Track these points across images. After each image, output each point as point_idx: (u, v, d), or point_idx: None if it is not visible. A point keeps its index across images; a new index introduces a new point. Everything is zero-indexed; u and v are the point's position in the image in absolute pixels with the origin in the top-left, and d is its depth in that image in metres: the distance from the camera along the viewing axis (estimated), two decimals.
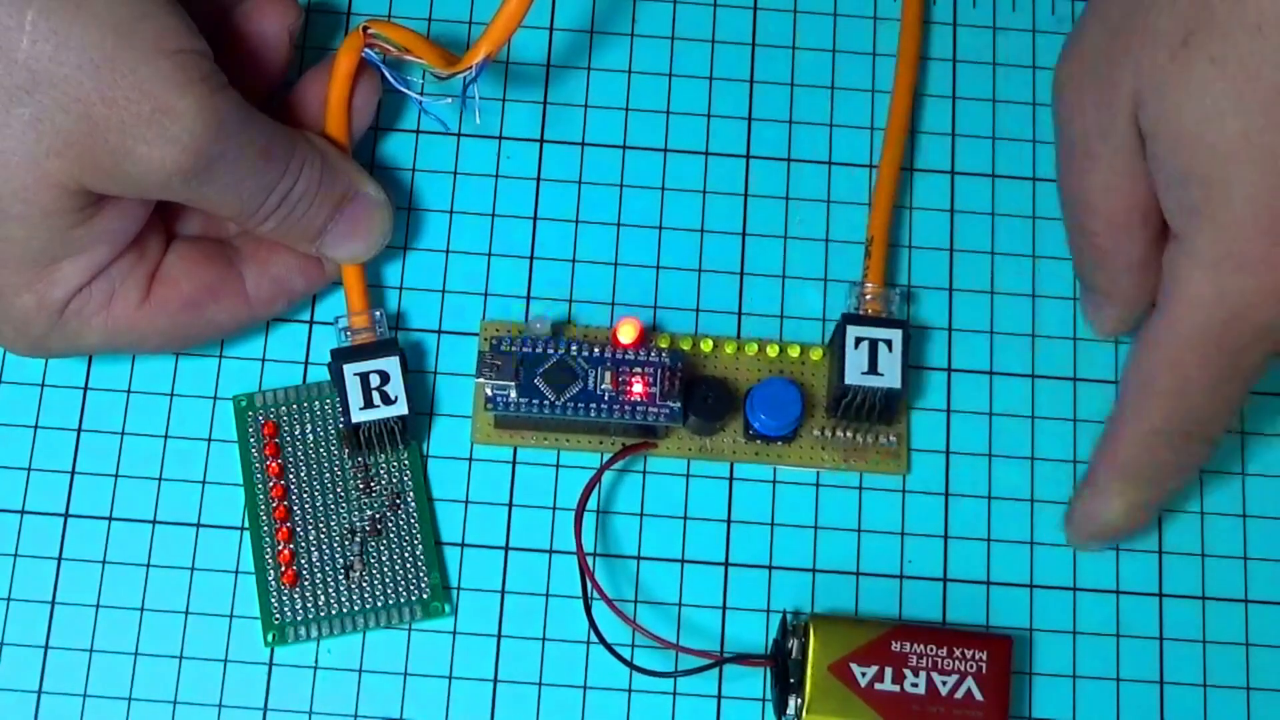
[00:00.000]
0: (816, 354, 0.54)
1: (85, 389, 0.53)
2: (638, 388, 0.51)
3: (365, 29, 0.51)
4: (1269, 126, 0.44)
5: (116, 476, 0.52)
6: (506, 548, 0.52)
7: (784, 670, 0.50)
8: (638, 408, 0.51)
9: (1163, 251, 0.49)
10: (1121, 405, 0.50)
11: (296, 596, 0.51)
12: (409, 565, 0.51)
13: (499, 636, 0.52)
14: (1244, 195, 0.45)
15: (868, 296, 0.53)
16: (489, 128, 0.56)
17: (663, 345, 0.53)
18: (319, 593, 0.51)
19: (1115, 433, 0.50)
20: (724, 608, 0.52)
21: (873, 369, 0.51)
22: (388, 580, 0.51)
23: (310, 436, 0.52)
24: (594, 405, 0.51)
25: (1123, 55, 0.46)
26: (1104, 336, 0.54)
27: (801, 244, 0.56)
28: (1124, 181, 0.48)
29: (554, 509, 0.53)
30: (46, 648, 0.51)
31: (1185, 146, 0.45)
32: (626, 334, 0.52)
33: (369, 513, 0.52)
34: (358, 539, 0.52)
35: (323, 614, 0.51)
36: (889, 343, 0.52)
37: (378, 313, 0.52)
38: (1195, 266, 0.46)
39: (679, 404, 0.51)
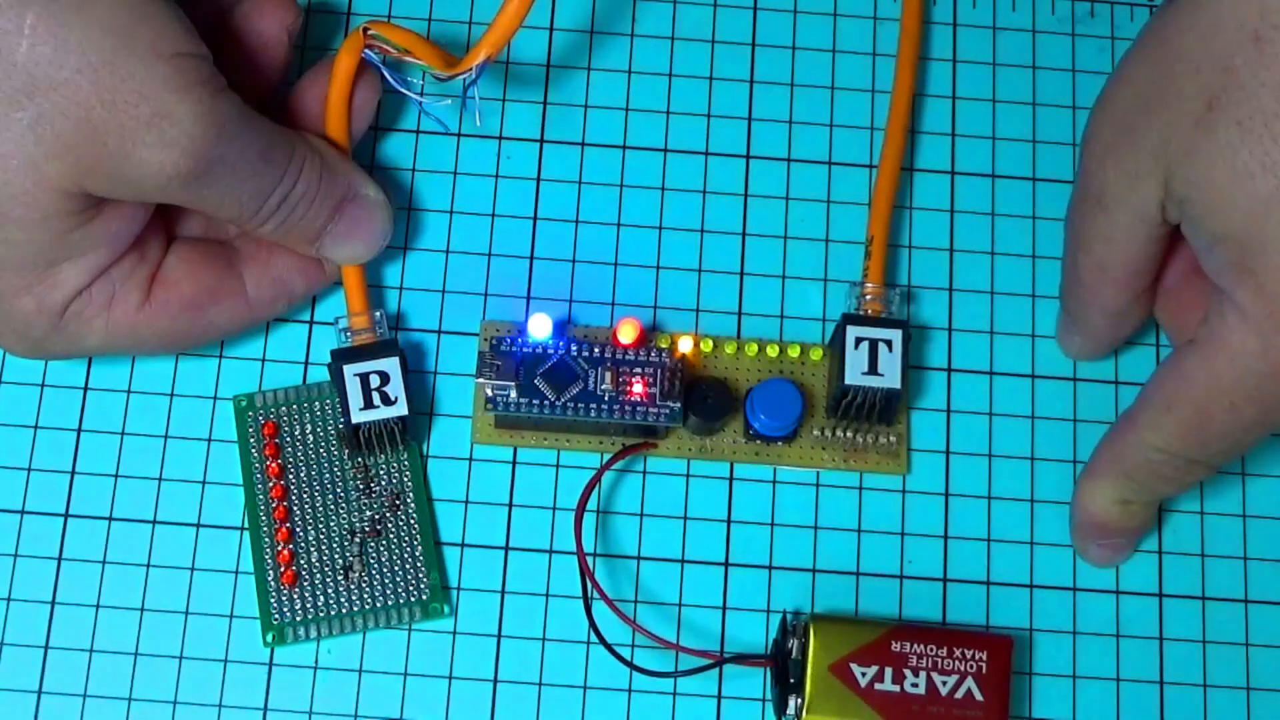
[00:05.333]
0: (816, 354, 0.54)
1: (85, 389, 0.53)
2: (638, 388, 0.51)
3: (365, 30, 0.51)
4: None
5: (116, 476, 0.52)
6: (506, 548, 0.52)
7: (784, 670, 0.50)
8: (638, 408, 0.51)
9: (1141, 307, 0.51)
10: (1138, 411, 0.50)
11: (296, 597, 0.51)
12: (409, 565, 0.51)
13: (499, 636, 0.52)
14: None
15: (868, 296, 0.53)
16: (489, 128, 0.56)
17: (663, 345, 0.53)
18: (319, 593, 0.51)
19: (1125, 434, 0.50)
20: (724, 608, 0.52)
21: (873, 369, 0.51)
22: (387, 581, 0.51)
23: (310, 437, 0.52)
24: (594, 405, 0.51)
25: (1149, 121, 0.46)
26: (1069, 358, 0.55)
27: (801, 244, 0.56)
28: (1125, 240, 0.49)
29: (554, 509, 0.53)
30: (46, 648, 0.51)
31: (1218, 209, 0.45)
32: (626, 334, 0.52)
33: (369, 513, 0.52)
34: (357, 539, 0.52)
35: (322, 614, 0.51)
36: (889, 343, 0.51)
37: (378, 313, 0.52)
38: (1241, 320, 0.45)
39: (679, 404, 0.51)
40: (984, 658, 0.49)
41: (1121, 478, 0.51)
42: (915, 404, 0.54)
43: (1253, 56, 0.44)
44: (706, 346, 0.54)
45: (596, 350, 0.51)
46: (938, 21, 0.58)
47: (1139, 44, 0.48)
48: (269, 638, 0.51)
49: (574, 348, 0.51)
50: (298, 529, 0.51)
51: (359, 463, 0.52)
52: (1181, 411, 0.48)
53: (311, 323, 0.54)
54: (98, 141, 0.44)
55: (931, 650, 0.49)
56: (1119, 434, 0.51)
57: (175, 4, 0.45)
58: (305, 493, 0.52)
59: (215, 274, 0.50)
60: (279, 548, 0.51)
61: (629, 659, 0.50)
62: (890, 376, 0.51)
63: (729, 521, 0.53)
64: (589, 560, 0.51)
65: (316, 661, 0.51)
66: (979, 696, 0.49)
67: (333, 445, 0.52)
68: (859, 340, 0.51)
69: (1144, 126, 0.47)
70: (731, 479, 0.53)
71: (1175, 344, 0.52)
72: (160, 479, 0.53)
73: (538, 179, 0.56)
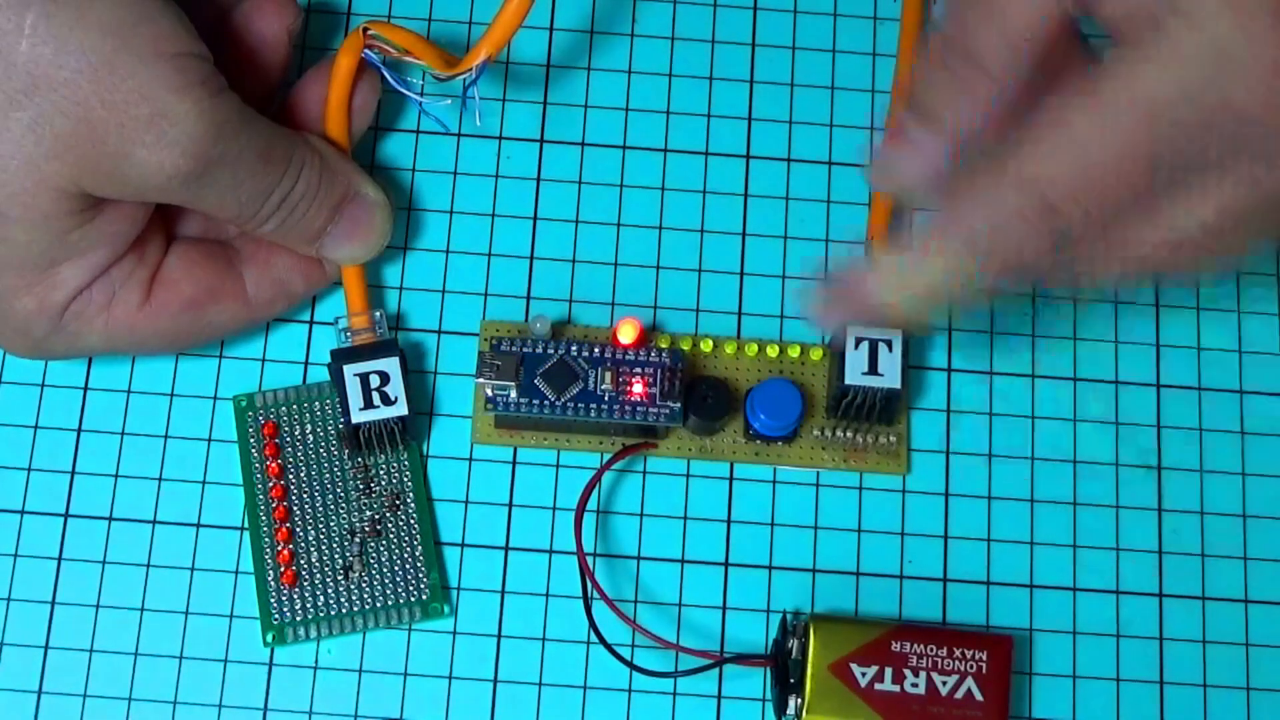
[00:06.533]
0: (816, 354, 0.54)
1: (85, 389, 0.53)
2: (638, 388, 0.51)
3: (365, 30, 0.51)
4: None
5: (116, 476, 0.52)
6: (506, 548, 0.52)
7: (784, 670, 0.50)
8: (638, 408, 0.51)
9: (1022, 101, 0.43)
10: (1014, 149, 0.42)
11: (296, 597, 0.51)
12: (408, 565, 0.51)
13: (499, 636, 0.52)
14: None
15: None
16: (489, 128, 0.56)
17: (663, 345, 0.53)
18: (319, 593, 0.51)
19: (983, 183, 0.43)
20: (724, 608, 0.52)
21: (873, 369, 0.51)
22: (387, 580, 0.51)
23: (310, 437, 0.52)
24: (594, 405, 0.51)
25: None
26: (891, 186, 0.48)
27: (801, 244, 0.56)
28: None
29: (554, 509, 0.53)
30: (46, 648, 0.51)
31: None
32: (626, 334, 0.52)
33: (369, 513, 0.52)
34: (357, 539, 0.52)
35: (322, 614, 0.51)
36: (889, 343, 0.51)
37: (378, 313, 0.52)
38: (1145, 52, 0.40)
39: (679, 404, 0.51)
40: (984, 658, 0.49)
41: (961, 243, 0.43)
42: (915, 404, 0.54)
43: None
44: (706, 346, 0.54)
45: (596, 350, 0.51)
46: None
47: None
48: (269, 638, 0.51)
49: (574, 348, 0.51)
50: (298, 529, 0.51)
51: (359, 463, 0.52)
52: (1077, 135, 0.41)
53: (311, 323, 0.54)
54: (97, 141, 0.44)
55: (931, 650, 0.49)
56: (967, 191, 0.43)
57: (175, 4, 0.45)
58: (305, 493, 0.52)
59: (215, 274, 0.50)
60: (279, 548, 0.51)
61: (629, 659, 0.50)
62: (890, 376, 0.51)
63: (729, 521, 0.53)
64: (589, 560, 0.51)
65: (316, 661, 0.51)
66: (979, 696, 0.49)
67: (333, 445, 0.52)
68: (859, 340, 0.51)
69: None
70: (731, 479, 0.53)
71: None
72: (160, 479, 0.53)
73: (538, 179, 0.56)
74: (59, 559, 0.52)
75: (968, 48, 0.44)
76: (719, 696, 0.51)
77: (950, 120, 0.44)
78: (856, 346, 0.51)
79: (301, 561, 0.51)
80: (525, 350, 0.51)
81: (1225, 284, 0.56)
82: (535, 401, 0.51)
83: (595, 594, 0.50)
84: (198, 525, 0.52)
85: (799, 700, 0.49)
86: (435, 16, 0.57)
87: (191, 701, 0.51)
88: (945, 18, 0.45)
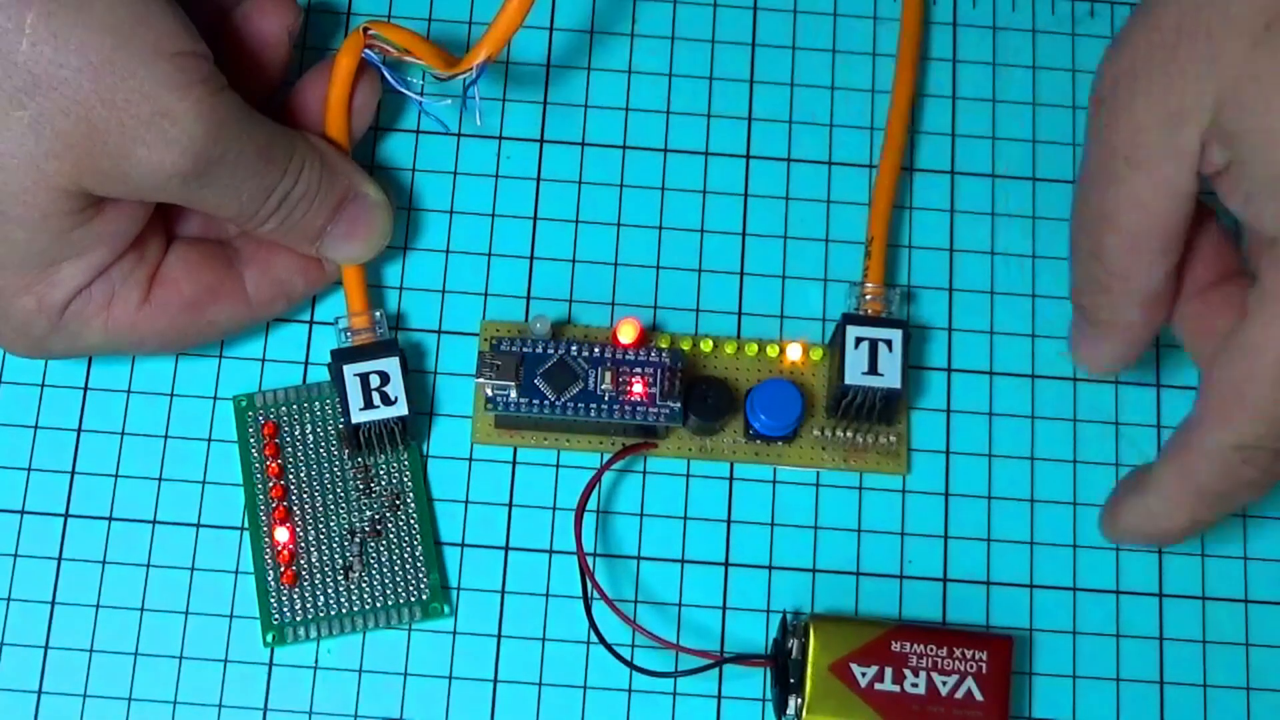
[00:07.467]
0: (816, 354, 0.54)
1: (85, 389, 0.53)
2: (638, 388, 0.51)
3: (365, 30, 0.51)
4: None
5: (116, 476, 0.52)
6: (506, 548, 0.52)
7: (784, 670, 0.50)
8: (638, 408, 0.51)
9: (1172, 289, 0.47)
10: (1202, 414, 0.45)
11: (296, 597, 0.51)
12: (408, 565, 0.51)
13: (499, 636, 0.52)
14: None
15: (868, 296, 0.53)
16: (489, 128, 0.56)
17: (663, 345, 0.53)
18: (319, 593, 0.51)
19: (1192, 443, 0.45)
20: (724, 608, 0.52)
21: (873, 369, 0.51)
22: (387, 580, 0.51)
23: (310, 437, 0.52)
24: (594, 405, 0.51)
25: (1191, 51, 0.42)
26: (1093, 373, 0.51)
27: (801, 244, 0.56)
28: (1164, 198, 0.44)
29: (554, 509, 0.53)
30: (46, 648, 0.51)
31: None
32: (626, 334, 0.52)
33: (369, 513, 0.52)
34: (357, 539, 0.52)
35: (322, 614, 0.51)
36: (889, 343, 0.51)
37: (378, 313, 0.52)
38: None
39: (679, 404, 0.51)
40: (984, 658, 0.49)
41: (1193, 495, 0.46)
42: (915, 404, 0.54)
43: None
44: (706, 346, 0.54)
45: (596, 350, 0.51)
46: (938, 21, 0.58)
47: None
48: (269, 638, 0.51)
49: (574, 348, 0.51)
50: (298, 529, 0.51)
51: (359, 463, 0.52)
52: (1258, 392, 0.42)
53: (311, 323, 0.54)
54: (98, 140, 0.44)
55: (931, 650, 0.49)
56: (1181, 450, 0.45)
57: (176, 3, 0.45)
58: (305, 493, 0.52)
59: (215, 274, 0.50)
60: (279, 548, 0.51)
61: (629, 659, 0.50)
62: (890, 376, 0.51)
63: (729, 521, 0.53)
64: (589, 560, 0.51)
65: (316, 661, 0.51)
66: (979, 696, 0.49)
67: (333, 445, 0.52)
68: (859, 340, 0.51)
69: (1185, 58, 0.42)
70: (731, 479, 0.53)
71: (1199, 355, 0.48)
72: (160, 479, 0.53)
73: (538, 179, 0.56)
74: (59, 559, 0.52)
75: (1093, 251, 0.46)
76: (719, 696, 0.51)
77: (1108, 318, 0.47)
78: (856, 346, 0.51)
79: (301, 561, 0.51)
80: (525, 350, 0.51)
81: None
82: (535, 401, 0.51)
83: (595, 594, 0.50)
84: (198, 525, 0.52)
85: (799, 700, 0.49)
86: (435, 16, 0.57)
87: (191, 701, 0.51)
88: (1072, 217, 0.47)
